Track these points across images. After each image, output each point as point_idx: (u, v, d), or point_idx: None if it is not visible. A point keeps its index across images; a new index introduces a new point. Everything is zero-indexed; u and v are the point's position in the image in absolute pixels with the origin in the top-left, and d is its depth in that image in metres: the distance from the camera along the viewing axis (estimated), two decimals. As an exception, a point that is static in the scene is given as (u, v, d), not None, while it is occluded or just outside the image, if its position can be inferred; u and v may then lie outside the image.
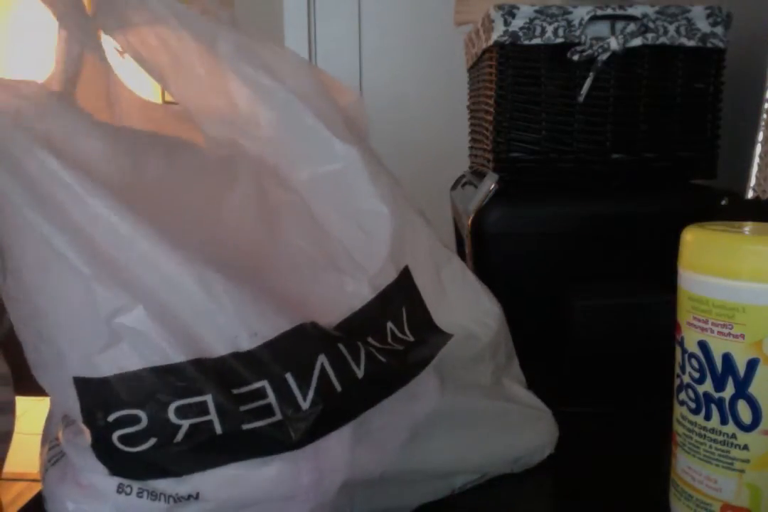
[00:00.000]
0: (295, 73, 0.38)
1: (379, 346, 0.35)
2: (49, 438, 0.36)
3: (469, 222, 0.62)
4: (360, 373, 0.33)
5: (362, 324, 0.35)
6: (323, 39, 2.13)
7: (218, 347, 0.32)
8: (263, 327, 0.32)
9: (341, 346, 0.33)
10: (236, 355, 0.32)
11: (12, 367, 0.49)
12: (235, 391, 0.32)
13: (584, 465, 0.44)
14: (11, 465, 0.49)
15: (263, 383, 0.32)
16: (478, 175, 0.77)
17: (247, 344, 0.32)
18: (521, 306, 0.59)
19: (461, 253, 0.81)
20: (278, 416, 0.32)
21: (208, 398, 0.31)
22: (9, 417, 0.48)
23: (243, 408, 0.31)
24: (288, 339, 0.32)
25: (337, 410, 0.33)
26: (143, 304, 0.31)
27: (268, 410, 0.32)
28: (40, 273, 0.31)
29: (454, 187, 0.87)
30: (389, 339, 0.36)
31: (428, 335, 0.38)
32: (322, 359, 0.33)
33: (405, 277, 0.38)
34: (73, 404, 0.32)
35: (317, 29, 2.13)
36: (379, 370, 0.34)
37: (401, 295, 0.38)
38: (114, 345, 0.31)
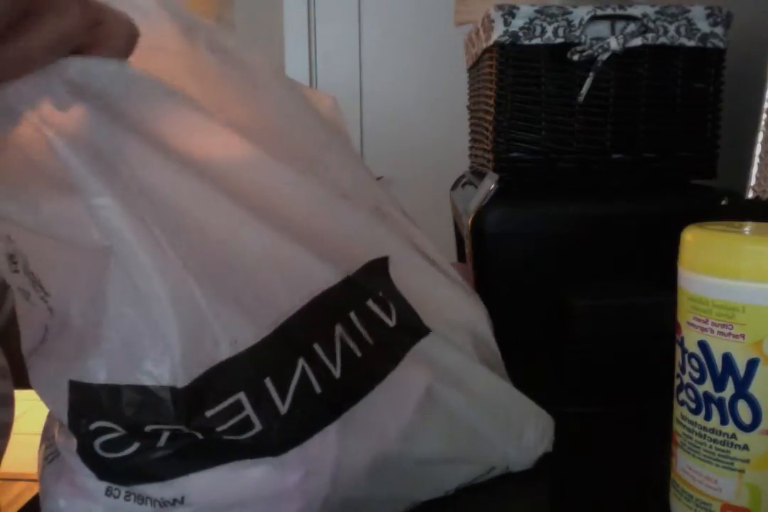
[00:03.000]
0: (276, 81, 0.38)
1: (356, 336, 0.34)
2: (47, 436, 0.36)
3: (469, 222, 0.62)
4: (337, 373, 0.33)
5: (332, 305, 0.34)
6: (323, 39, 2.13)
7: (195, 363, 0.30)
8: (243, 334, 0.31)
9: (317, 346, 0.33)
10: (212, 370, 0.31)
11: (13, 364, 0.49)
12: (209, 413, 0.31)
13: (584, 465, 0.44)
14: (11, 466, 0.49)
15: (239, 395, 0.31)
16: (478, 175, 0.77)
17: (226, 352, 0.31)
18: (521, 306, 0.59)
19: (461, 253, 0.81)
20: (258, 428, 0.31)
21: (182, 427, 0.31)
22: (8, 410, 0.48)
23: (220, 428, 0.31)
24: (267, 344, 0.32)
25: (318, 412, 0.33)
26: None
27: (246, 423, 0.31)
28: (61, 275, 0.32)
29: (454, 187, 0.87)
30: (367, 324, 0.35)
31: (406, 327, 0.37)
32: (302, 362, 0.32)
33: (378, 267, 0.38)
34: (61, 406, 0.32)
35: (317, 30, 2.13)
36: (356, 366, 0.34)
37: (372, 283, 0.37)
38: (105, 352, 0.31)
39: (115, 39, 0.30)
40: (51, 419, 0.37)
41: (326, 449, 0.33)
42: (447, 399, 0.38)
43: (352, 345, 0.34)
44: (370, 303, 0.36)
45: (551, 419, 0.43)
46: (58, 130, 0.29)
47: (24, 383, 0.35)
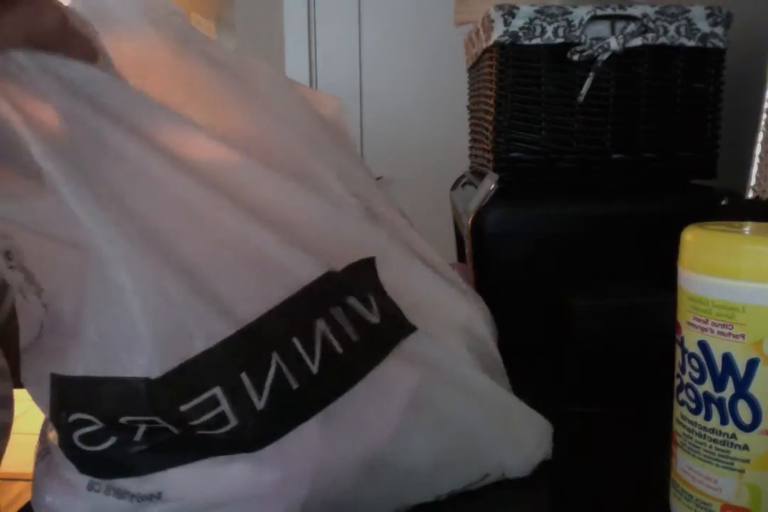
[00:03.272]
0: (273, 88, 0.38)
1: (337, 331, 0.34)
2: (43, 434, 0.37)
3: (469, 222, 0.62)
4: (315, 369, 0.33)
5: (312, 300, 0.34)
6: (323, 40, 2.13)
7: (170, 355, 0.30)
8: (217, 327, 0.31)
9: (295, 341, 0.33)
10: (186, 364, 0.31)
11: (12, 366, 0.49)
12: (184, 406, 0.31)
13: (583, 464, 0.44)
14: (11, 466, 0.49)
15: (215, 390, 0.31)
16: (478, 175, 0.77)
17: (201, 345, 0.31)
18: (521, 306, 0.59)
19: (461, 253, 0.81)
20: (233, 423, 0.31)
21: (156, 418, 0.31)
22: (8, 411, 0.48)
23: (195, 422, 0.31)
24: (242, 338, 0.31)
25: (294, 408, 0.32)
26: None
27: (222, 419, 0.31)
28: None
29: (454, 187, 0.87)
30: (349, 320, 0.35)
31: (390, 325, 0.37)
32: (275, 357, 0.32)
33: (365, 267, 0.37)
34: (45, 400, 0.32)
35: (317, 30, 2.13)
36: (335, 363, 0.34)
37: (357, 281, 0.37)
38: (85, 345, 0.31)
39: (82, 50, 0.31)
40: (47, 417, 0.37)
41: (306, 449, 0.33)
42: (438, 401, 0.37)
43: (332, 340, 0.34)
44: (353, 300, 0.35)
45: (550, 426, 0.43)
46: (34, 127, 0.29)
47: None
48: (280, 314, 0.33)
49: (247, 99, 0.37)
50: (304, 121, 0.39)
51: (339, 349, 0.34)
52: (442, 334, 0.40)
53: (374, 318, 0.36)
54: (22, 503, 0.38)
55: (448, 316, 0.42)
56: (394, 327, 0.37)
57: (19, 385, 0.38)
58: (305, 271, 0.34)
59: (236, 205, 0.33)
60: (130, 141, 0.31)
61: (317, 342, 0.33)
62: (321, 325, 0.34)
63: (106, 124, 0.31)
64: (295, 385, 0.32)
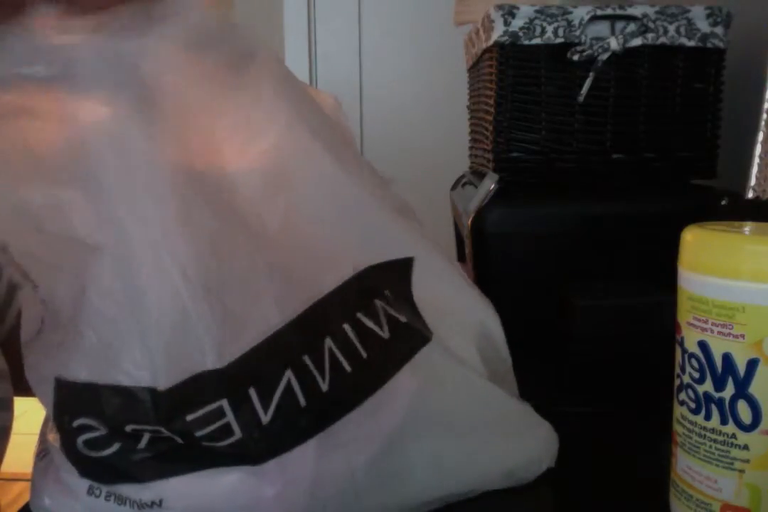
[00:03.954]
0: (288, 86, 0.38)
1: (348, 349, 0.34)
2: (42, 434, 0.37)
3: (469, 222, 0.62)
4: (325, 386, 0.32)
5: (325, 317, 0.34)
6: (323, 39, 2.13)
7: (179, 369, 0.30)
8: (231, 346, 0.31)
9: (306, 358, 0.32)
10: (197, 377, 0.30)
11: (13, 368, 0.49)
12: (190, 417, 0.31)
13: (584, 464, 0.44)
14: (11, 465, 0.49)
15: (221, 402, 0.31)
16: (478, 175, 0.77)
17: (212, 362, 0.30)
18: (521, 306, 0.59)
19: (461, 253, 0.81)
20: (237, 435, 0.31)
21: (161, 428, 0.31)
22: (7, 414, 0.48)
23: (199, 433, 0.31)
24: (254, 355, 0.31)
25: (300, 425, 0.32)
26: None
27: (226, 430, 0.31)
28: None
29: (454, 187, 0.87)
30: (361, 336, 0.34)
31: (406, 333, 0.37)
32: (288, 374, 0.32)
33: (399, 268, 0.37)
34: (49, 400, 0.32)
35: (317, 29, 2.13)
36: (345, 380, 0.33)
37: (382, 287, 0.36)
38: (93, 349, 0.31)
39: None
40: (47, 417, 0.37)
41: (304, 464, 0.33)
42: (439, 406, 0.37)
43: (341, 358, 0.34)
44: (371, 309, 0.35)
45: (555, 433, 0.43)
46: (91, 122, 0.29)
47: (25, 386, 0.35)
48: (292, 332, 0.32)
49: (266, 100, 0.36)
50: (325, 118, 0.39)
51: (348, 368, 0.34)
52: (453, 335, 0.39)
53: (387, 333, 0.35)
54: (22, 503, 0.38)
55: (462, 315, 0.41)
56: (410, 339, 0.37)
57: (20, 391, 0.38)
58: (329, 277, 0.34)
59: (269, 208, 0.33)
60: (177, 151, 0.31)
61: (326, 359, 0.33)
62: (334, 340, 0.34)
63: (141, 97, 0.30)
64: (303, 403, 0.32)
